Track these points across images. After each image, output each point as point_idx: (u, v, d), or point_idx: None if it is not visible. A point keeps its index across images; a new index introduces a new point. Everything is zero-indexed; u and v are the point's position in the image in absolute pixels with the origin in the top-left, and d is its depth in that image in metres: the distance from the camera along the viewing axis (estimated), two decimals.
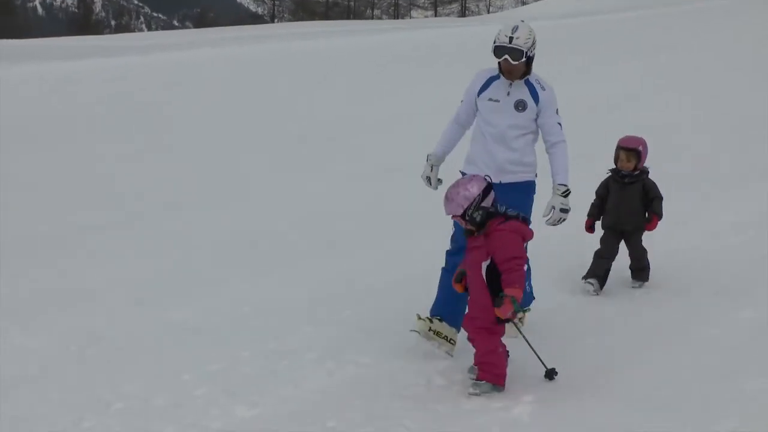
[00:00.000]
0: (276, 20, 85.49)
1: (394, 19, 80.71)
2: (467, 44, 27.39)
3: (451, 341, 5.70)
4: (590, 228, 7.13)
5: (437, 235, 6.36)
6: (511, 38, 5.49)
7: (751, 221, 8.82)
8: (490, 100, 5.72)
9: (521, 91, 5.68)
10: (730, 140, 13.10)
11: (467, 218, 4.99)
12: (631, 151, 6.83)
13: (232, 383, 5.33)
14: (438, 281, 5.90)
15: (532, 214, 5.66)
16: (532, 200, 5.81)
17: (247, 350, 5.88)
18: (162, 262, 8.27)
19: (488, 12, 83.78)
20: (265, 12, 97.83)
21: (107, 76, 25.92)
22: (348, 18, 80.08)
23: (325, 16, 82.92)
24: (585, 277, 6.94)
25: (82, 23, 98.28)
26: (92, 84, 24.57)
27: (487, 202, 5.04)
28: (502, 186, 5.51)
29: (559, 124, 5.75)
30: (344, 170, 11.84)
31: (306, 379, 5.40)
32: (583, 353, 5.68)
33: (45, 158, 14.30)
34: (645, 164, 6.96)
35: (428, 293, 5.97)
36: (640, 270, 7.09)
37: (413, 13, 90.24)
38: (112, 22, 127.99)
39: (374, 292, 6.83)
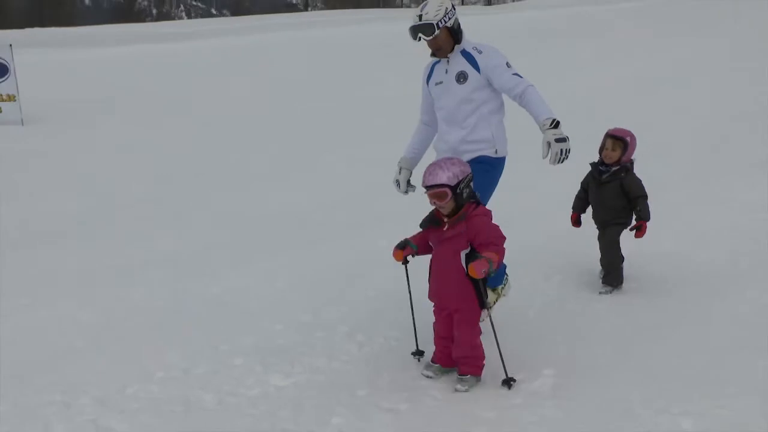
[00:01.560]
0: (309, 8, 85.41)
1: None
2: (490, 31, 27.22)
3: (503, 290, 5.69)
4: (576, 222, 6.47)
5: None
6: (420, 16, 5.09)
7: None
8: (437, 84, 5.31)
9: (460, 63, 5.19)
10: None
11: (457, 191, 4.46)
12: (618, 139, 6.06)
13: (268, 354, 5.35)
14: None
15: (492, 193, 5.30)
16: (491, 178, 5.27)
17: (282, 323, 5.90)
18: (201, 238, 8.33)
19: (513, 0, 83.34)
20: (299, 1, 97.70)
21: (162, 59, 26.50)
22: (378, 6, 79.76)
23: (357, 4, 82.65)
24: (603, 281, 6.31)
25: (126, 12, 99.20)
26: (149, 66, 25.07)
27: (472, 186, 4.63)
28: None
29: (516, 74, 5.13)
30: (388, 148, 11.79)
31: (337, 351, 5.41)
32: (600, 334, 5.55)
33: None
34: (632, 159, 6.19)
35: None
36: (609, 272, 6.26)
37: None
38: (154, 11, 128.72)
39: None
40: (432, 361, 4.96)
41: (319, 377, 5.02)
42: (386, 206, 8.34)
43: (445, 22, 5.10)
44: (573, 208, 6.42)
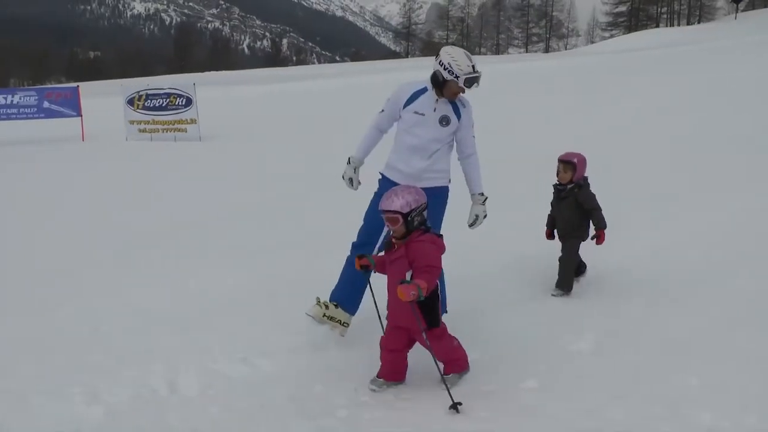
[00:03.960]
0: (409, 56, 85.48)
1: (495, 54, 79.21)
2: (548, 72, 26.79)
3: (345, 324, 4.68)
4: (550, 236, 5.73)
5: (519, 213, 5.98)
6: (473, 66, 4.47)
7: None
8: (416, 113, 4.60)
9: (446, 108, 4.59)
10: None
11: (408, 219, 3.83)
12: (567, 163, 5.43)
13: None
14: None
15: (444, 217, 4.73)
16: (444, 204, 4.74)
17: None
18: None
19: (566, 49, 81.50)
20: (401, 50, 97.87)
21: (299, 94, 27.20)
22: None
23: None
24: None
25: (274, 58, 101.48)
26: (290, 98, 25.79)
27: (425, 215, 3.97)
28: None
29: (473, 137, 4.74)
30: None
31: None
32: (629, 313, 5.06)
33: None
34: (584, 177, 5.51)
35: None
36: (561, 278, 5.45)
37: (509, 50, 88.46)
38: (294, 58, 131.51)
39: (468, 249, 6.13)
40: (377, 376, 4.03)
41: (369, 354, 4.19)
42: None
43: None
44: (546, 225, 5.74)
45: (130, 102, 19.95)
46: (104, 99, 24.42)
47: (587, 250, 5.59)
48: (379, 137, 4.92)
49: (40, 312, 5.35)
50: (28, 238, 8.11)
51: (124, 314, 5.24)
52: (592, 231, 5.47)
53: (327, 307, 4.67)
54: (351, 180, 4.90)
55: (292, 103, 25.93)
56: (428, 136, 4.59)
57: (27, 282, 6.26)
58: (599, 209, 5.38)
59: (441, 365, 3.92)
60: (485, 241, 6.05)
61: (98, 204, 9.97)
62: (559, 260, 5.50)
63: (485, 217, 4.70)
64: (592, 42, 79.80)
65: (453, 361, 3.99)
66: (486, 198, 4.71)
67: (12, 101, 19.81)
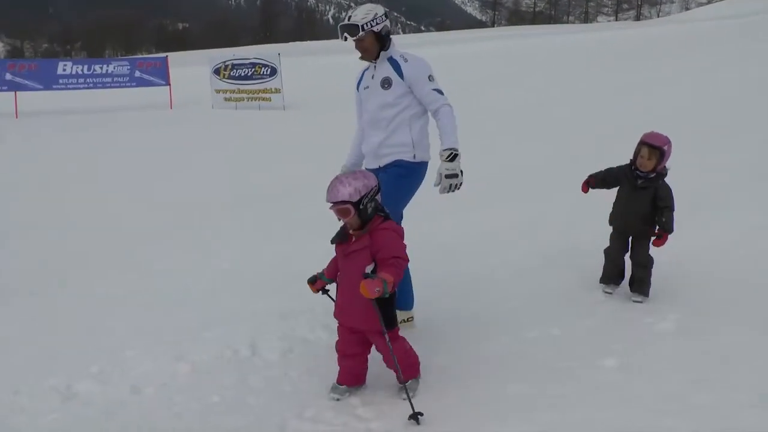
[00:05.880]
0: (495, 25, 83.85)
1: (584, 23, 76.63)
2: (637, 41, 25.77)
3: (409, 320, 4.42)
4: (585, 186, 4.89)
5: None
6: (349, 17, 4.19)
7: None
8: (365, 88, 4.33)
9: (385, 69, 4.21)
10: None
11: (360, 207, 3.39)
12: (654, 149, 4.56)
13: None
14: None
15: (410, 197, 4.26)
16: (408, 182, 4.21)
17: None
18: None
19: (658, 16, 77.90)
20: (488, 19, 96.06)
21: None
22: (549, 23, 76.95)
23: (532, 21, 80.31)
24: (601, 281, 4.94)
25: None
26: None
27: (379, 198, 3.53)
28: (381, 170, 4.22)
29: (436, 90, 4.16)
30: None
31: None
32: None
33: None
34: (667, 167, 4.67)
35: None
36: (640, 281, 4.75)
37: (599, 18, 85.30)
38: None
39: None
40: (337, 382, 3.70)
41: None
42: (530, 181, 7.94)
43: (372, 26, 4.15)
44: (592, 176, 4.89)
45: (217, 72, 20.55)
46: (191, 69, 25.24)
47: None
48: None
49: (137, 271, 5.72)
50: (126, 198, 8.58)
51: (212, 277, 5.51)
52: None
53: None
54: None
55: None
56: (376, 104, 4.24)
57: (125, 241, 6.67)
58: (673, 209, 4.62)
59: (399, 370, 3.51)
60: (579, 215, 5.94)
61: (182, 170, 10.38)
62: (634, 260, 4.77)
63: (452, 176, 3.94)
64: (687, 8, 75.80)
65: (410, 366, 3.62)
66: (453, 154, 3.96)
67: (107, 71, 20.77)
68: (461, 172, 3.97)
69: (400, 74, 4.16)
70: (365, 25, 4.13)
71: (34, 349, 4.18)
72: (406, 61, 4.19)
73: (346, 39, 4.21)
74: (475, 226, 6.74)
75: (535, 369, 3.77)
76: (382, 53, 4.24)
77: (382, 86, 4.19)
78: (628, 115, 12.37)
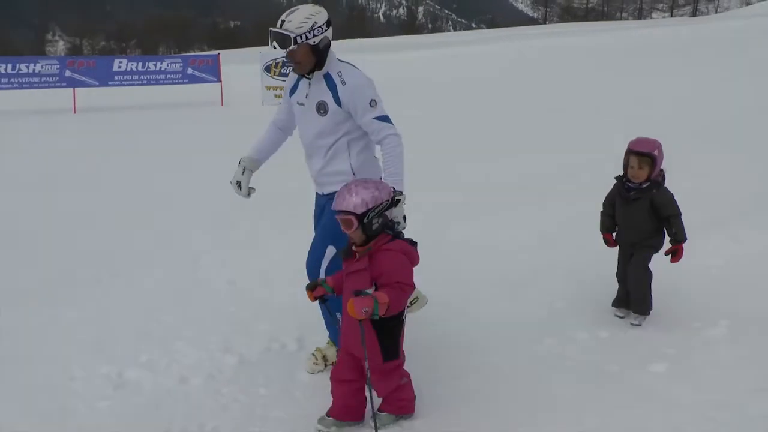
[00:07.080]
0: (546, 22, 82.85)
1: (638, 19, 75.02)
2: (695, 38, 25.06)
3: (413, 302, 4.12)
4: (611, 242, 4.49)
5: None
6: (282, 21, 3.54)
7: None
8: (298, 103, 3.76)
9: (320, 90, 3.63)
10: None
11: (365, 221, 3.06)
12: (644, 156, 4.16)
13: None
14: None
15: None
16: None
17: None
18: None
19: (716, 12, 75.69)
20: (539, 16, 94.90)
21: (433, 61, 27.59)
22: (602, 20, 75.58)
23: (585, 18, 79.04)
24: (613, 304, 4.53)
25: (409, 26, 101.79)
26: (424, 65, 26.54)
27: (390, 214, 3.19)
28: (326, 197, 3.80)
29: (378, 118, 3.58)
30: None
31: None
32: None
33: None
34: (660, 171, 4.27)
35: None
36: (636, 301, 4.35)
37: (653, 14, 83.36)
38: (429, 25, 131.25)
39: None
40: (327, 414, 3.30)
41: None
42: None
43: (307, 39, 3.51)
44: (603, 227, 4.49)
45: (267, 69, 20.82)
46: (242, 66, 25.58)
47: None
48: (277, 135, 4.07)
49: (185, 263, 5.84)
50: (173, 191, 8.76)
51: (259, 269, 5.59)
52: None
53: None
54: (238, 184, 3.98)
55: (428, 69, 26.20)
56: (311, 132, 3.71)
57: (172, 234, 6.81)
58: (680, 215, 4.20)
59: (377, 399, 3.25)
60: None
61: (234, 165, 10.54)
62: (630, 276, 4.34)
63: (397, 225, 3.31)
64: (748, 3, 73.35)
65: (395, 401, 3.30)
66: (395, 199, 3.28)
67: (161, 68, 21.27)
68: (404, 218, 3.39)
69: (337, 100, 3.59)
70: (299, 37, 3.49)
71: (89, 336, 4.34)
72: (344, 84, 3.58)
73: (275, 47, 3.60)
74: (525, 226, 6.67)
75: (583, 372, 3.73)
76: (316, 73, 3.64)
77: (318, 111, 3.64)
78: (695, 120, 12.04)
